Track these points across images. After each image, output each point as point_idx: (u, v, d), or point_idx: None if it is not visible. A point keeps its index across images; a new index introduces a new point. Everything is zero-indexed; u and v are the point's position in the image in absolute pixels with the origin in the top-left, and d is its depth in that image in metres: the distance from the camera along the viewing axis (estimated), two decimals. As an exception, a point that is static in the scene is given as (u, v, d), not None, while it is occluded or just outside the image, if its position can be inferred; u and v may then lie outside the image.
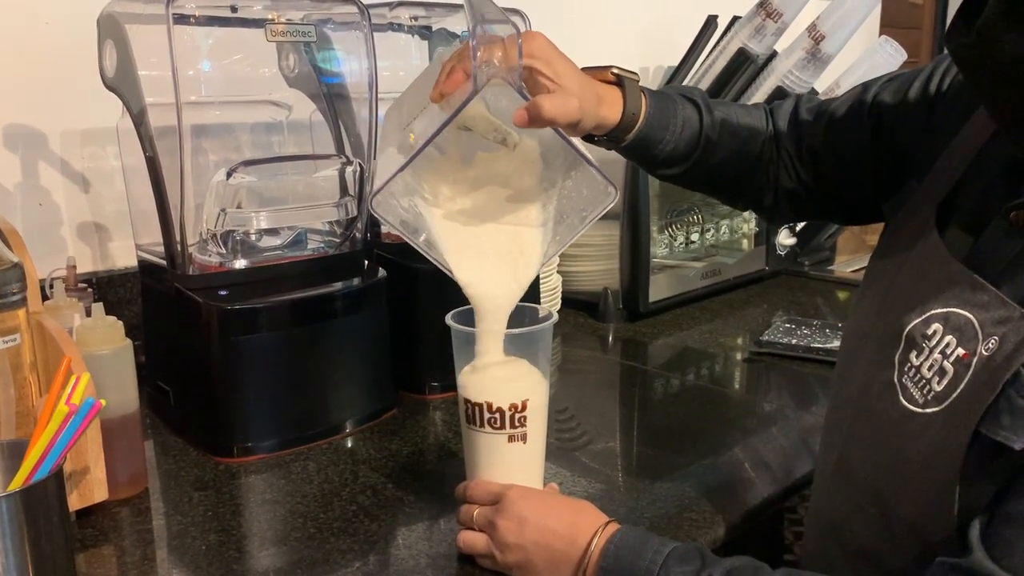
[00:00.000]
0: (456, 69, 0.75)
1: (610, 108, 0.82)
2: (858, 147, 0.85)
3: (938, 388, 0.62)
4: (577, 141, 0.80)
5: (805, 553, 0.82)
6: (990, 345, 0.59)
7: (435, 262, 0.80)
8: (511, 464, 0.81)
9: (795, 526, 1.60)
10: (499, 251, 0.81)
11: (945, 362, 0.62)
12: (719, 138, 0.88)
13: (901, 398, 0.65)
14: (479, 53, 0.71)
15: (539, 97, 0.73)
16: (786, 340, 1.37)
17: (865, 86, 0.86)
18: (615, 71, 0.84)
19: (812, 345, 1.34)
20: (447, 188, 0.80)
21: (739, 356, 1.40)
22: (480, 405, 0.79)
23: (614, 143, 0.86)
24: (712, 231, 1.76)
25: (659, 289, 1.56)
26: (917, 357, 0.65)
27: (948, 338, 0.62)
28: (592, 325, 1.53)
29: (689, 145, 0.87)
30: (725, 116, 0.89)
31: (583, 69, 0.83)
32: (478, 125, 0.78)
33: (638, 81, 0.85)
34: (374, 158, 1.09)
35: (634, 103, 0.83)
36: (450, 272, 0.80)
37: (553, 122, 0.74)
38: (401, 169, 0.74)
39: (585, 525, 0.74)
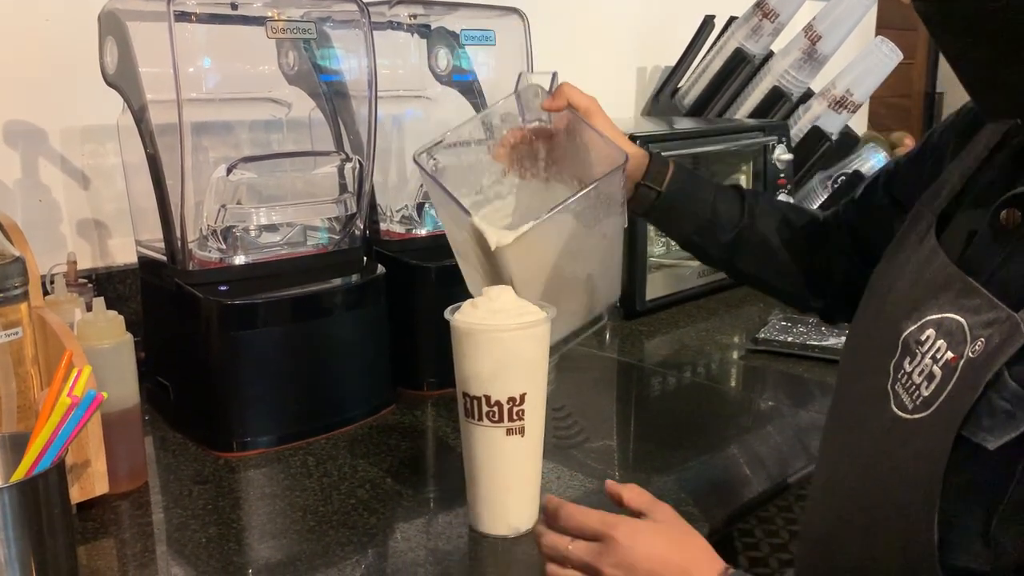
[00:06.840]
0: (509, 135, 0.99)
1: (634, 148, 0.96)
2: (881, 221, 0.88)
3: (926, 393, 0.60)
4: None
5: (796, 569, 0.81)
6: (976, 347, 0.58)
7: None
8: (509, 457, 0.82)
9: (791, 525, 1.61)
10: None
11: (934, 366, 0.60)
12: (760, 212, 0.96)
13: (892, 405, 0.64)
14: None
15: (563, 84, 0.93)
16: (782, 338, 1.38)
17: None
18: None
19: (808, 343, 1.35)
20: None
21: (735, 354, 1.41)
22: (478, 398, 0.80)
23: (650, 193, 0.97)
24: (709, 230, 1.76)
25: (656, 287, 1.56)
26: (910, 363, 0.63)
27: (939, 343, 0.61)
28: (589, 323, 1.54)
29: (731, 212, 0.96)
30: (765, 198, 1.00)
31: None
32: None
33: None
34: (373, 155, 1.10)
35: (660, 159, 0.97)
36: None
37: (571, 99, 0.94)
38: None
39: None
